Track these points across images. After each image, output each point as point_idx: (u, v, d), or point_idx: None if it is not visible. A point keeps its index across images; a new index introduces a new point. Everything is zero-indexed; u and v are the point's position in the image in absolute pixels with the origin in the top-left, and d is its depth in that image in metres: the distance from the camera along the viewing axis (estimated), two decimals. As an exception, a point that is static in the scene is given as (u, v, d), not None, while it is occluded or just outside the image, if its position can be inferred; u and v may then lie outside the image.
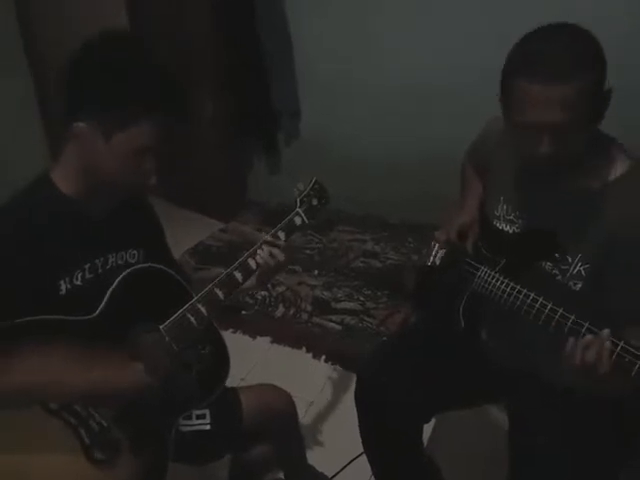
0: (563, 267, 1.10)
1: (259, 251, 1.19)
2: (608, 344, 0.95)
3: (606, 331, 0.97)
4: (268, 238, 1.22)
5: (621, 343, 0.95)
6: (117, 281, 1.04)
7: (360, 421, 1.38)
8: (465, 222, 1.30)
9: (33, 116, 2.67)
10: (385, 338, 2.30)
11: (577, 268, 1.08)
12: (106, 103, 0.95)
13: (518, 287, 1.11)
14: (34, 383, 0.95)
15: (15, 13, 2.64)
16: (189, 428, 1.23)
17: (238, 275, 1.17)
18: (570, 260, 1.09)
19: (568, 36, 0.98)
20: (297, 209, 1.29)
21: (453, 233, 1.28)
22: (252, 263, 1.19)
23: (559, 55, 0.95)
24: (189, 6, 2.83)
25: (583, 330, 1.00)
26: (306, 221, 1.30)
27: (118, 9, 3.01)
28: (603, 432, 1.12)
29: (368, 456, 1.45)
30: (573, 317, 1.02)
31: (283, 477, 1.59)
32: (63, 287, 1.02)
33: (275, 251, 1.19)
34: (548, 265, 1.12)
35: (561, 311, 1.04)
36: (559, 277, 1.10)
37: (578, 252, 1.07)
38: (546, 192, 1.12)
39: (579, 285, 1.08)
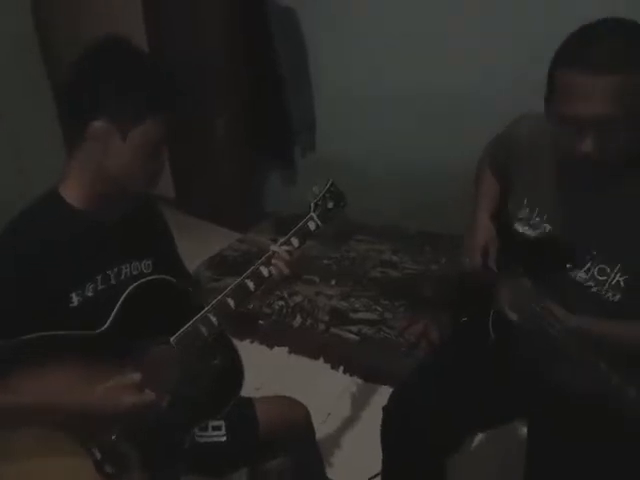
0: (600, 278, 1.05)
1: (273, 259, 1.17)
2: None
3: None
4: (280, 246, 1.18)
5: None
6: (124, 295, 1.04)
7: (387, 457, 1.34)
8: (483, 241, 1.23)
9: (50, 119, 2.70)
10: (404, 349, 2.27)
11: (616, 279, 1.04)
12: (121, 99, 0.97)
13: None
14: (35, 403, 0.94)
15: (33, 21, 2.69)
16: (205, 439, 1.21)
17: (250, 284, 1.14)
18: (609, 270, 1.04)
19: (623, 29, 0.93)
20: (311, 213, 1.24)
21: (476, 256, 1.21)
22: (264, 271, 1.16)
23: (611, 46, 0.91)
24: (206, 23, 2.87)
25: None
26: (320, 226, 1.23)
27: (137, 27, 3.06)
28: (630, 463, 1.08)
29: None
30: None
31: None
32: (75, 299, 1.02)
33: (287, 258, 1.17)
34: (580, 276, 1.08)
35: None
36: (594, 288, 1.06)
37: (618, 262, 1.03)
38: (584, 196, 1.07)
39: (617, 296, 1.04)
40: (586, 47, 0.92)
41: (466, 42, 2.50)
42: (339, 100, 2.95)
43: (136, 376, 0.98)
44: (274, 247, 1.18)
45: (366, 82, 2.83)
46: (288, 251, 1.18)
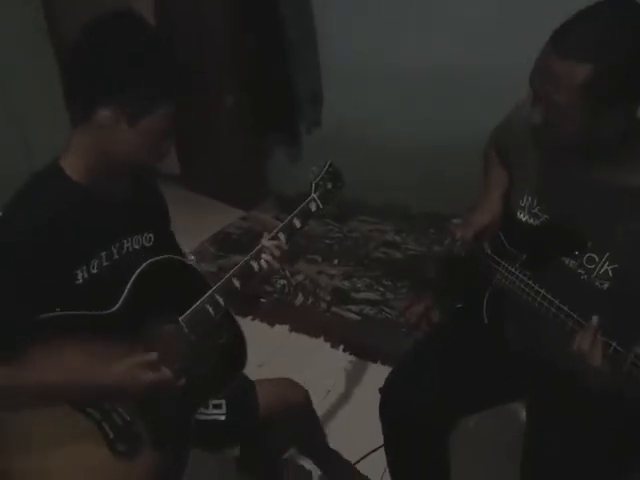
0: (589, 266, 1.06)
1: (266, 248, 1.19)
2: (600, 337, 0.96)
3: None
4: (283, 227, 1.21)
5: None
6: (135, 275, 1.04)
7: (386, 433, 1.36)
8: (485, 222, 1.24)
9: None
10: (404, 329, 2.29)
11: (604, 268, 1.04)
12: (129, 89, 0.93)
13: (536, 287, 1.09)
14: (51, 383, 0.94)
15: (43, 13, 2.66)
16: (204, 417, 1.23)
17: (255, 264, 1.16)
18: (597, 259, 1.04)
19: (610, 19, 0.91)
20: (312, 194, 1.26)
21: (470, 232, 1.22)
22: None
23: (588, 35, 0.90)
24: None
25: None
26: (321, 206, 1.27)
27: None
28: (616, 436, 1.10)
29: (391, 462, 1.43)
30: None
31: (295, 456, 1.59)
32: (80, 276, 1.01)
33: (280, 242, 1.20)
34: (572, 263, 1.08)
35: (576, 316, 1.01)
36: (584, 276, 1.06)
37: (606, 251, 1.03)
38: (575, 186, 1.07)
39: (606, 285, 1.04)
40: (566, 31, 0.92)
41: (476, 17, 2.45)
42: (344, 76, 2.89)
43: (153, 355, 0.99)
44: (264, 241, 1.19)
45: (370, 57, 2.75)
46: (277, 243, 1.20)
